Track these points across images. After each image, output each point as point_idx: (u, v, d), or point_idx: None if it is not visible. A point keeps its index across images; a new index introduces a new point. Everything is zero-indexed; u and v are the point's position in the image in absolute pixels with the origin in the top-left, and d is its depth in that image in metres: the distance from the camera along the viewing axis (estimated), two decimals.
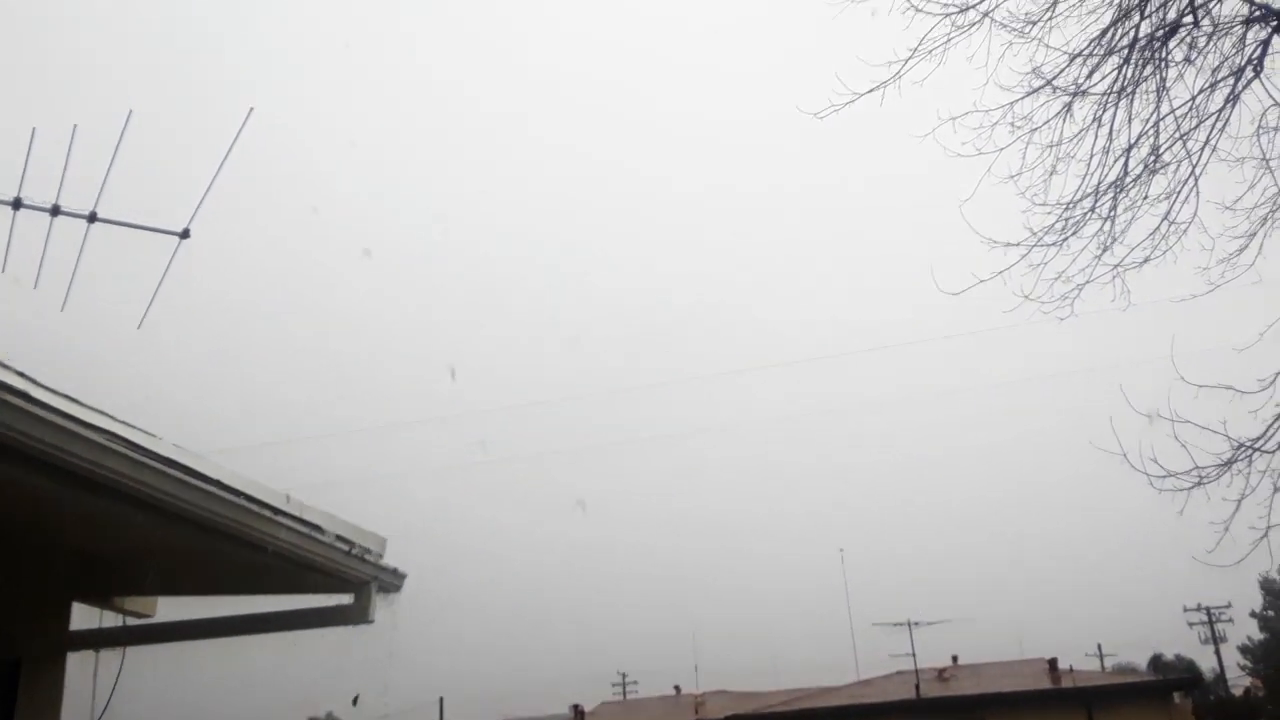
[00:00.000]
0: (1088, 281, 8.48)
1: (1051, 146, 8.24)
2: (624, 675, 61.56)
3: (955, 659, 38.20)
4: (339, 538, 4.68)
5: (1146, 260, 8.56)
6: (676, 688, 45.37)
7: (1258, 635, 60.08)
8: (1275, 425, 8.16)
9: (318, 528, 4.54)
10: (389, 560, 5.22)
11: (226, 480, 3.97)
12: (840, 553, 41.56)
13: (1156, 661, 60.65)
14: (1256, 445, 8.14)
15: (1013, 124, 7.95)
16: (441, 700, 57.37)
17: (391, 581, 5.24)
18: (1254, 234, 7.88)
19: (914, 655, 33.63)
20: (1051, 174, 8.34)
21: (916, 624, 33.88)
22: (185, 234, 5.21)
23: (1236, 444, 8.08)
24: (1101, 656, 54.31)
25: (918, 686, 32.15)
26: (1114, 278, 8.50)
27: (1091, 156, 8.22)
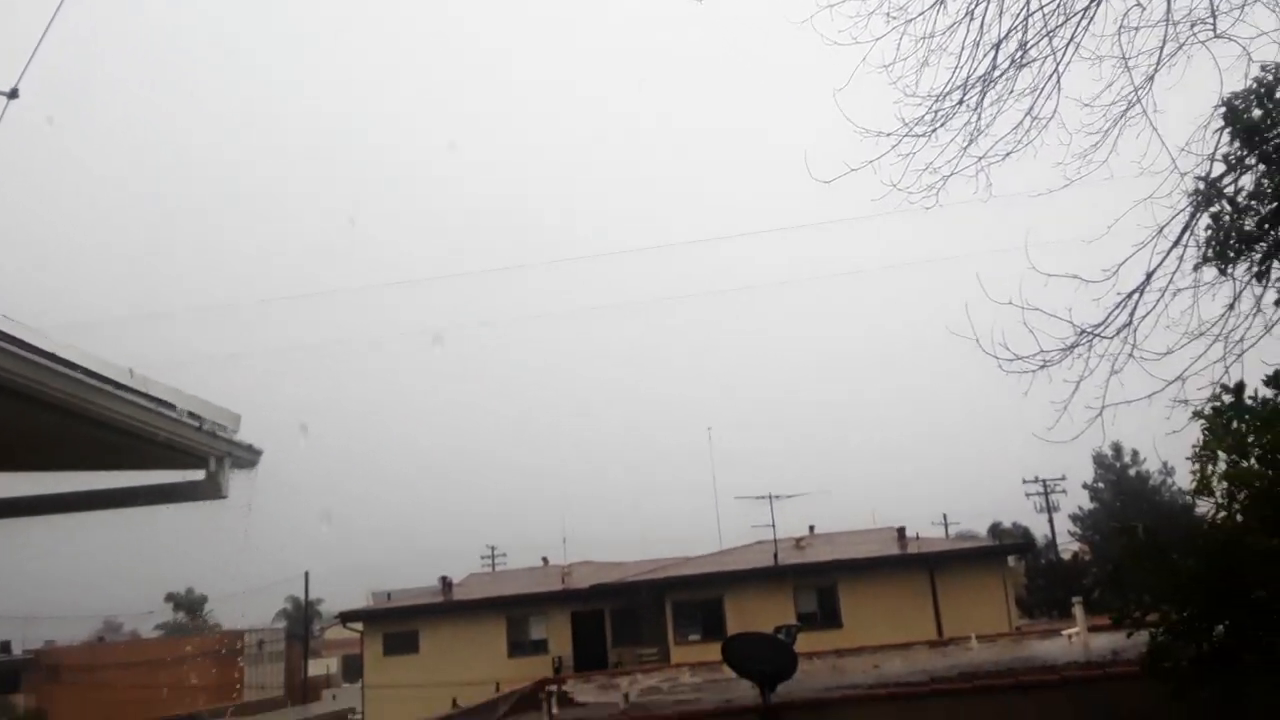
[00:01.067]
0: (953, 173, 8.75)
1: (925, 39, 8.32)
2: (493, 549, 62.83)
3: (812, 529, 40.44)
4: (190, 414, 4.56)
5: (1009, 154, 8.87)
6: (544, 559, 46.65)
7: (1088, 505, 65.56)
8: (1115, 312, 8.73)
9: (166, 403, 4.40)
10: (244, 437, 5.12)
11: (61, 353, 3.79)
12: (708, 431, 42.91)
13: (995, 529, 65.72)
14: (1097, 331, 8.72)
15: (889, 14, 7.97)
16: (307, 574, 57.49)
17: (246, 457, 5.15)
18: (1108, 131, 8.22)
19: (773, 526, 35.42)
20: (924, 66, 8.46)
21: (777, 497, 35.55)
22: (13, 94, 4.80)
23: (1079, 330, 8.64)
24: (946, 525, 58.49)
25: (775, 555, 33.96)
26: (978, 170, 8.79)
27: (962, 50, 8.36)
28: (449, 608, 37.40)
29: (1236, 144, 7.03)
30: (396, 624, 36.66)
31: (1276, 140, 6.77)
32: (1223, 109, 7.09)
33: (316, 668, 64.17)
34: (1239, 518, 7.09)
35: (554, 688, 15.64)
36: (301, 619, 62.95)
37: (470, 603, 37.32)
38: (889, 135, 8.62)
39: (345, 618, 38.03)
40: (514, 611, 36.27)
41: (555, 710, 12.95)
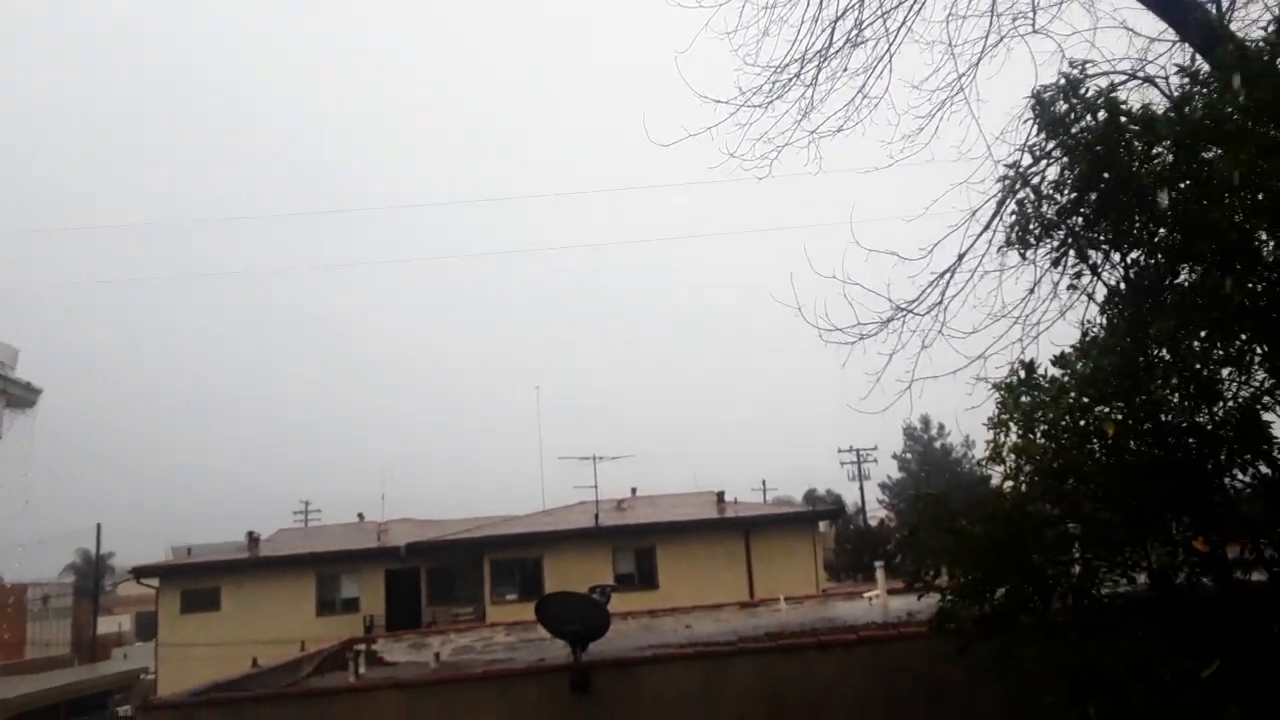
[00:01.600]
0: (787, 144, 8.96)
1: (767, 8, 8.45)
2: (306, 504, 60.90)
3: (634, 491, 41.14)
4: None
5: (840, 130, 9.15)
6: (360, 515, 45.57)
7: (896, 475, 69.55)
8: (928, 290, 9.19)
9: None
10: (21, 374, 4.73)
11: None
12: (536, 390, 42.83)
13: (810, 495, 68.83)
14: (910, 308, 9.16)
15: None
16: (99, 526, 54.04)
17: (23, 396, 4.78)
18: (933, 115, 8.60)
19: (596, 488, 35.80)
20: (764, 35, 8.60)
21: (600, 459, 35.92)
22: None
23: (895, 305, 9.06)
24: (764, 491, 60.83)
25: (596, 516, 34.37)
26: (810, 143, 9.03)
27: (802, 23, 8.54)
28: (254, 564, 36.02)
29: (1043, 135, 7.48)
30: (196, 580, 35.04)
31: (1078, 134, 7.23)
32: (1032, 101, 7.52)
33: (107, 625, 60.62)
34: (1024, 488, 7.63)
35: (362, 647, 15.34)
36: (92, 574, 59.30)
37: (277, 559, 36.06)
38: (727, 103, 8.74)
39: (139, 573, 36.05)
40: (324, 569, 35.31)
41: (362, 670, 12.70)
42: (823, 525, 43.38)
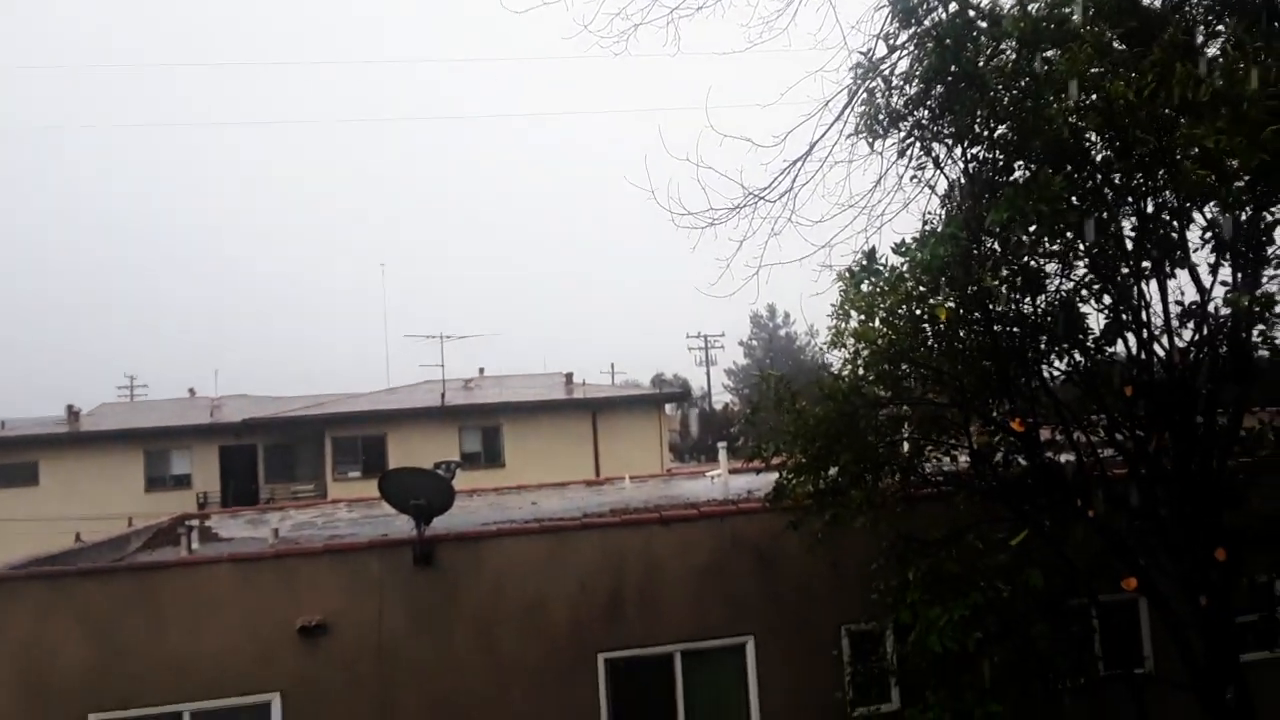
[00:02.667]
0: (645, 21, 8.80)
1: None
2: (132, 379, 58.13)
3: (482, 371, 41.05)
4: None
5: (701, 8, 9.03)
6: (191, 391, 43.92)
7: (742, 360, 71.73)
8: (779, 178, 9.35)
9: None
10: None
11: None
12: (381, 267, 41.70)
13: (657, 379, 70.25)
14: (762, 194, 9.32)
15: None
16: None
17: None
18: (791, 1, 8.58)
19: (443, 366, 35.53)
20: None
21: (447, 337, 35.56)
22: None
23: (747, 191, 9.19)
24: (613, 374, 61.74)
25: (443, 395, 34.20)
26: (669, 22, 8.89)
27: None
28: (75, 439, 34.36)
29: (896, 25, 7.63)
30: (8, 454, 33.24)
31: (930, 26, 7.41)
32: None
33: None
34: (861, 370, 8.04)
35: (195, 522, 14.99)
36: None
37: (100, 434, 34.50)
38: None
39: None
40: (153, 444, 34.05)
41: (195, 545, 12.44)
42: (669, 408, 44.53)
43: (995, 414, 8.46)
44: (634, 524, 10.83)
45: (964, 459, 8.87)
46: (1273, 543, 8.51)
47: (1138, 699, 7.60)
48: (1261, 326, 8.10)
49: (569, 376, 38.96)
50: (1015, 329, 8.13)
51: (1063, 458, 8.84)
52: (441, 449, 30.03)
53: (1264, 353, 8.23)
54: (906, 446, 9.01)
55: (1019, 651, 6.67)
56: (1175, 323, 8.04)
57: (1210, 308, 7.86)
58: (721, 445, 18.84)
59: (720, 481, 16.15)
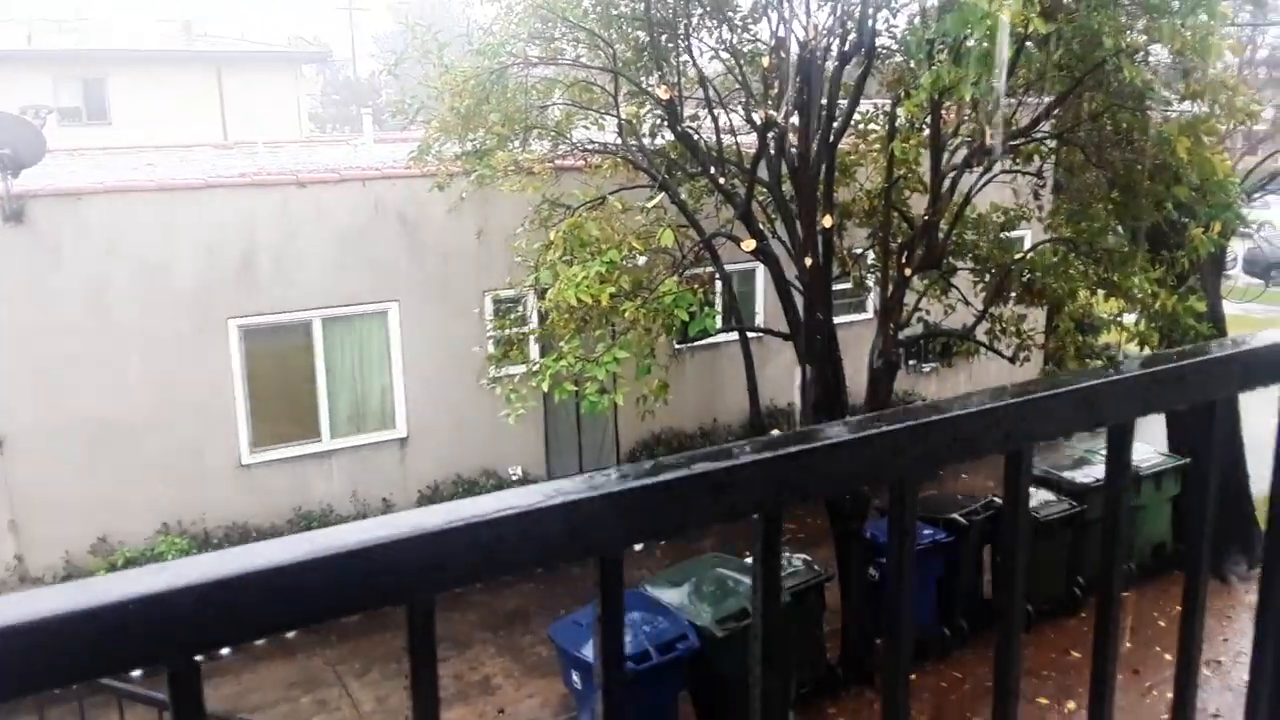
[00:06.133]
0: None
1: None
2: None
3: (80, 12, 35.42)
4: None
5: None
6: None
7: (395, 28, 67.15)
8: None
9: None
10: None
11: None
12: None
13: (295, 39, 64.31)
14: None
15: None
16: None
17: None
18: None
19: None
20: None
21: None
22: None
23: None
24: (242, 32, 55.63)
25: (29, 36, 29.36)
26: None
27: None
28: None
29: None
30: None
31: None
32: None
33: None
34: (515, 26, 7.80)
35: None
36: None
37: None
38: None
39: None
40: None
41: None
42: (310, 74, 41.31)
43: (645, 84, 8.64)
44: (266, 185, 10.24)
45: (612, 129, 9.08)
46: (870, 215, 9.70)
47: (744, 349, 8.68)
48: (886, 13, 8.74)
49: (187, 25, 34.67)
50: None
51: (705, 134, 9.31)
52: (30, 100, 26.12)
53: (888, 40, 8.95)
54: (558, 112, 9.05)
55: (649, 306, 7.26)
56: (813, 5, 8.44)
57: None
58: (366, 111, 17.97)
59: (365, 150, 15.53)
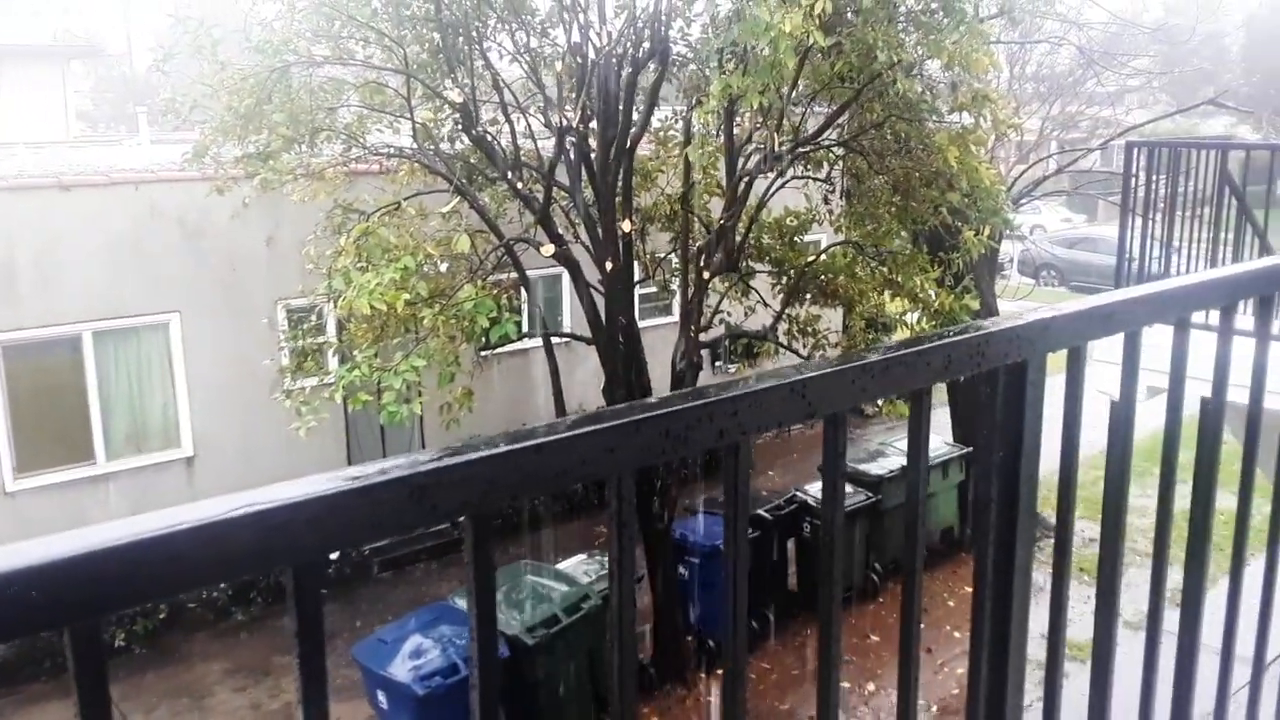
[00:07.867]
0: None
1: None
2: None
3: None
4: None
5: None
6: None
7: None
8: None
9: None
10: None
11: None
12: None
13: (61, 32, 60.09)
14: None
15: None
16: None
17: None
18: None
19: None
20: None
21: None
22: None
23: None
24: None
25: None
26: None
27: None
28: None
29: None
30: None
31: None
32: None
33: None
34: (297, 22, 7.54)
35: None
36: None
37: None
38: None
39: None
40: None
41: None
42: (80, 70, 38.58)
43: (439, 88, 8.52)
44: (25, 189, 9.51)
45: (408, 133, 8.91)
46: (671, 220, 9.92)
47: (549, 353, 8.72)
48: (681, 22, 8.96)
49: None
50: (465, 0, 8.10)
51: (503, 139, 9.27)
52: None
53: (681, 48, 9.18)
54: (349, 114, 8.80)
55: (448, 313, 7.16)
56: (611, 14, 8.55)
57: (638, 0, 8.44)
58: (142, 110, 16.98)
59: (144, 151, 14.67)
